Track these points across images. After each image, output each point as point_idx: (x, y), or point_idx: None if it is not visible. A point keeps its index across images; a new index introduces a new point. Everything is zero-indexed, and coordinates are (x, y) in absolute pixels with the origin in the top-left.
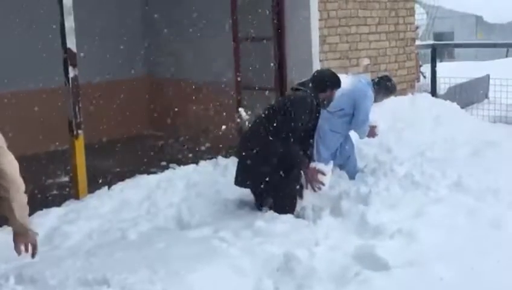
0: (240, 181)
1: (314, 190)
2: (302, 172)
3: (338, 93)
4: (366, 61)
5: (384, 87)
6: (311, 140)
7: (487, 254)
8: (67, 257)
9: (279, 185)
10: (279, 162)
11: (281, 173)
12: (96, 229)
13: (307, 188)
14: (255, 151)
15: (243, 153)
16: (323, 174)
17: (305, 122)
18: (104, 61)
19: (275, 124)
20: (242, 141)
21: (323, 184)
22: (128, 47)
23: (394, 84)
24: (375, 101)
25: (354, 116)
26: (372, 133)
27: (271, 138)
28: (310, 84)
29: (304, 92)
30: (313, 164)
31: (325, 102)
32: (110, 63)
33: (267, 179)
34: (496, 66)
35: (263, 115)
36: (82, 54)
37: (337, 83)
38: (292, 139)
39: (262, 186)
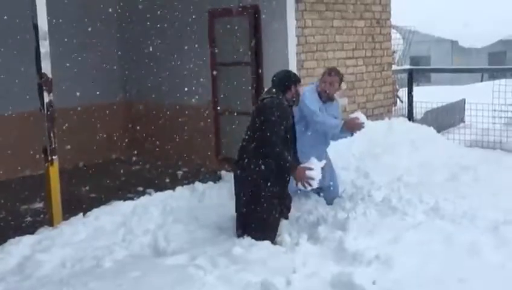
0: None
1: (305, 187)
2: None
3: None
4: (343, 86)
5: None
6: (294, 145)
7: (464, 281)
8: (39, 286)
9: (261, 212)
10: (267, 180)
11: (268, 193)
12: (70, 257)
13: (297, 185)
14: (245, 173)
15: (237, 176)
16: (310, 168)
17: (282, 125)
18: (81, 86)
19: (256, 138)
20: (235, 164)
21: (312, 179)
22: (105, 72)
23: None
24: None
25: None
26: (353, 124)
27: (256, 154)
28: (274, 90)
29: (270, 98)
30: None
31: (294, 100)
32: (87, 88)
33: (253, 201)
34: (471, 91)
35: (246, 137)
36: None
37: (295, 78)
38: (278, 145)
39: (246, 209)
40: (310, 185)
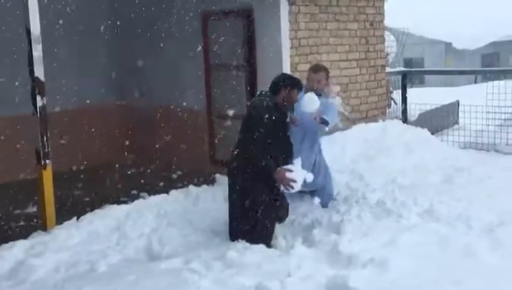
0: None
1: (288, 190)
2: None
3: None
4: (336, 89)
5: None
6: (289, 149)
7: (459, 283)
8: None
9: (255, 215)
10: (258, 183)
11: (260, 196)
12: (64, 262)
13: (280, 188)
14: (237, 176)
15: (230, 179)
16: (290, 170)
17: (264, 127)
18: (75, 90)
19: (242, 141)
20: (228, 170)
21: (294, 181)
22: (99, 75)
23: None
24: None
25: None
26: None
27: (246, 157)
28: (263, 92)
29: (258, 100)
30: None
31: (285, 104)
32: (80, 91)
33: (246, 204)
34: (465, 92)
35: (237, 140)
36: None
37: (288, 82)
38: (256, 147)
39: (239, 213)
40: (292, 187)
